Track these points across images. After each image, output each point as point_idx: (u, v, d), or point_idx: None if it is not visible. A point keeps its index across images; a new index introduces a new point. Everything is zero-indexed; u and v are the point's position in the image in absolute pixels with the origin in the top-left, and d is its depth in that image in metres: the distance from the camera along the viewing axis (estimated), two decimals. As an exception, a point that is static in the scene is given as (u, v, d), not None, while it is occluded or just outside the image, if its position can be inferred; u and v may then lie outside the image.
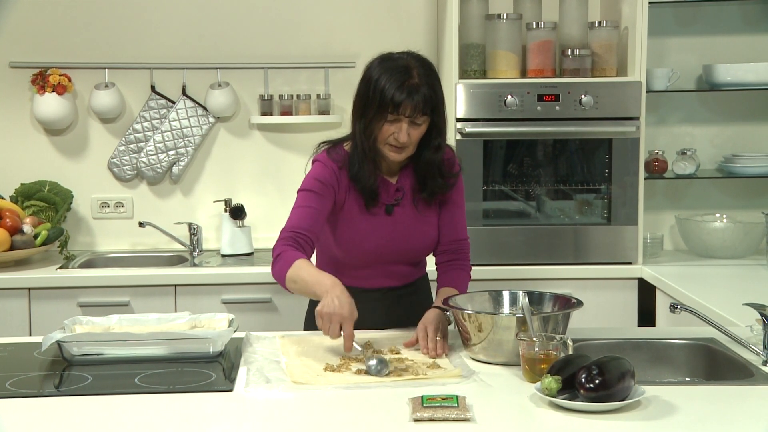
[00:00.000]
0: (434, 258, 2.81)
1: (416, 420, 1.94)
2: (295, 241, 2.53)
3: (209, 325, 2.57)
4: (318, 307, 2.34)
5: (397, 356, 2.41)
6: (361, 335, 2.59)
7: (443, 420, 1.94)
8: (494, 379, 2.22)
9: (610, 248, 3.82)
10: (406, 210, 2.67)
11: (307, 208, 2.59)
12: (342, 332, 2.33)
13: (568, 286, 3.68)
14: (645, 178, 3.87)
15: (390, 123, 2.52)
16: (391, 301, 2.73)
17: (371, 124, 2.54)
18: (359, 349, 2.37)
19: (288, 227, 2.57)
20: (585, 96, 3.73)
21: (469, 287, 2.78)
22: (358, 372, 2.27)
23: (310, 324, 2.80)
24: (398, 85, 2.48)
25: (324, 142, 2.73)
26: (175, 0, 4.17)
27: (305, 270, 2.45)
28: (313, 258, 2.71)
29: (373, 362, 2.26)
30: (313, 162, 2.68)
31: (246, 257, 4.04)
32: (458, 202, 2.75)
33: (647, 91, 3.81)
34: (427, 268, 2.86)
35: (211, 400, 2.11)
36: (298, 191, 2.64)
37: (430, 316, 2.53)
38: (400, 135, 2.51)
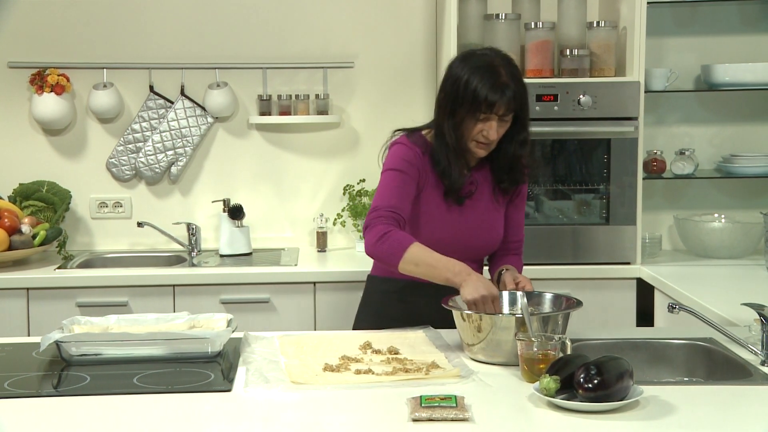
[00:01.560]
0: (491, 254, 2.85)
1: (415, 420, 1.94)
2: (395, 220, 2.55)
3: (208, 325, 2.57)
4: (467, 296, 2.38)
5: (395, 356, 2.41)
6: (361, 335, 2.60)
7: (442, 420, 1.94)
8: (493, 379, 2.22)
9: (609, 248, 3.82)
10: (476, 203, 2.71)
11: (397, 188, 2.62)
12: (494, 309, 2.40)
13: (566, 286, 3.68)
14: (643, 178, 3.87)
15: (480, 121, 2.57)
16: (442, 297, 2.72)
17: (462, 123, 2.59)
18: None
19: (382, 205, 2.59)
20: (583, 96, 3.74)
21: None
22: (357, 372, 2.27)
23: (360, 325, 2.83)
24: (491, 85, 2.53)
25: (399, 130, 2.76)
26: (174, 0, 4.17)
27: (427, 254, 2.49)
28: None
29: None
30: (392, 145, 2.72)
31: (245, 257, 4.04)
32: (524, 202, 2.85)
33: (646, 91, 3.81)
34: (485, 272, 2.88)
35: (209, 400, 2.11)
36: (384, 171, 2.67)
37: (512, 268, 2.66)
38: (490, 132, 2.57)
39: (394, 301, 2.77)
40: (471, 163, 2.72)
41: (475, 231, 2.71)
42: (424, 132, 2.72)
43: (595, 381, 1.97)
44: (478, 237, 2.72)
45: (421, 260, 2.48)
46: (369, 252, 2.57)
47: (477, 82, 2.55)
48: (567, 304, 2.47)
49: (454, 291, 2.58)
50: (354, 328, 2.85)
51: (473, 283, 2.40)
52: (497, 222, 2.76)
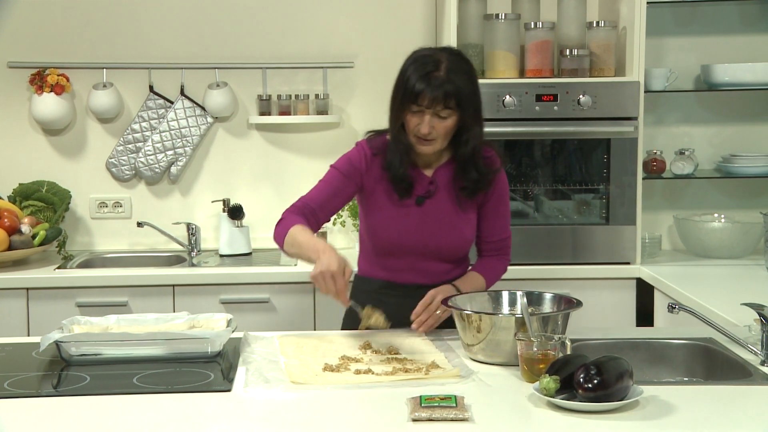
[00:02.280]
0: (477, 251, 2.86)
1: (414, 420, 1.94)
2: (301, 211, 2.62)
3: (207, 325, 2.57)
4: (311, 273, 2.40)
5: (395, 356, 2.41)
6: (361, 335, 2.60)
7: (441, 420, 1.94)
8: (493, 379, 2.23)
9: (609, 248, 3.82)
10: (438, 204, 2.69)
11: (327, 184, 2.69)
12: (336, 287, 2.39)
13: (566, 286, 3.68)
14: (643, 178, 3.87)
15: (413, 114, 2.56)
16: (419, 300, 2.72)
17: (397, 113, 2.60)
18: (354, 303, 2.43)
19: (304, 197, 2.68)
20: (583, 96, 3.74)
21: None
22: (357, 372, 2.27)
23: (347, 324, 2.82)
24: (420, 76, 2.53)
25: (370, 131, 2.78)
26: (174, 0, 4.17)
27: (301, 234, 2.52)
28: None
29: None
30: (355, 145, 2.76)
31: (244, 257, 4.04)
32: (504, 200, 2.79)
33: (645, 91, 3.81)
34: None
35: (209, 400, 2.11)
36: (330, 166, 2.73)
37: (443, 287, 2.63)
38: (422, 126, 2.55)
39: (372, 301, 2.76)
40: (429, 161, 2.68)
41: (436, 233, 2.68)
42: (388, 134, 2.70)
43: (595, 381, 1.97)
44: (441, 239, 2.69)
45: (295, 241, 2.52)
46: (274, 240, 2.63)
47: (410, 72, 2.55)
48: (567, 304, 2.47)
49: (421, 293, 2.62)
50: (342, 326, 2.85)
51: (320, 260, 2.40)
52: (463, 223, 2.72)
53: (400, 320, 2.66)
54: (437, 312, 2.57)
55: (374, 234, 2.71)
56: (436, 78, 2.52)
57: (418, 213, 2.68)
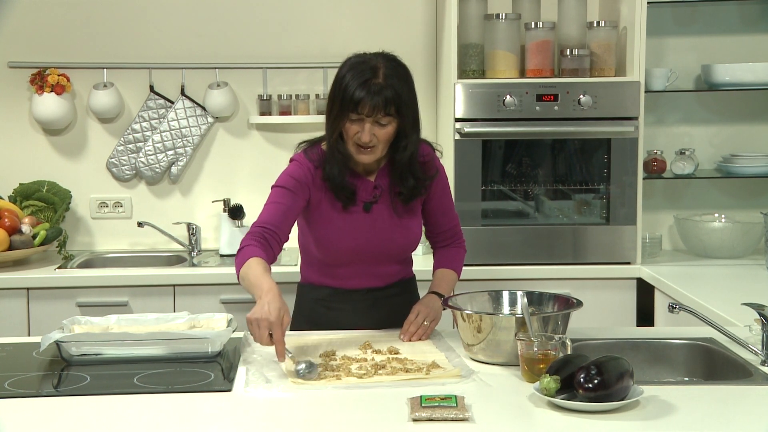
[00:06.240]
0: (430, 243, 2.86)
1: (415, 420, 1.94)
2: (262, 236, 2.52)
3: (208, 325, 2.57)
4: (248, 314, 2.31)
5: (396, 356, 2.41)
6: (361, 335, 2.60)
7: (442, 420, 1.94)
8: (493, 379, 2.23)
9: (609, 248, 3.82)
10: (385, 207, 2.67)
11: (278, 204, 2.58)
12: (272, 338, 2.28)
13: (566, 286, 3.68)
14: (644, 178, 3.87)
15: (353, 122, 2.52)
16: (373, 303, 2.73)
17: (335, 121, 2.55)
18: (291, 353, 2.31)
19: (258, 222, 2.57)
20: (584, 96, 3.74)
21: (468, 288, 2.79)
22: (357, 372, 2.27)
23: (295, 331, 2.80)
24: (359, 83, 2.49)
25: (303, 142, 2.73)
26: (174, 0, 4.17)
27: (252, 270, 2.42)
28: (298, 258, 2.73)
29: (301, 366, 2.24)
30: (290, 161, 2.69)
31: (245, 257, 4.03)
32: (446, 193, 2.78)
33: (646, 91, 3.81)
34: (414, 268, 2.86)
35: (209, 400, 2.11)
36: (272, 187, 2.64)
37: (426, 299, 2.65)
38: (363, 135, 2.51)
39: (321, 309, 2.75)
40: (370, 167, 2.65)
41: (387, 236, 2.67)
42: (323, 143, 2.66)
43: (595, 381, 1.97)
44: (393, 241, 2.68)
45: (246, 277, 2.43)
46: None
47: (349, 80, 2.51)
48: (567, 304, 2.47)
49: (376, 298, 2.65)
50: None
51: (260, 303, 2.31)
52: (411, 223, 2.71)
53: (354, 327, 2.68)
54: (425, 323, 2.58)
55: (324, 245, 2.66)
56: (376, 85, 2.48)
57: (367, 219, 2.65)
